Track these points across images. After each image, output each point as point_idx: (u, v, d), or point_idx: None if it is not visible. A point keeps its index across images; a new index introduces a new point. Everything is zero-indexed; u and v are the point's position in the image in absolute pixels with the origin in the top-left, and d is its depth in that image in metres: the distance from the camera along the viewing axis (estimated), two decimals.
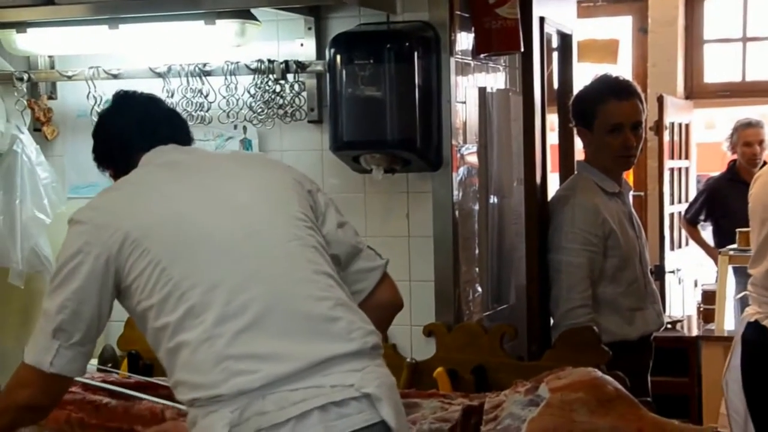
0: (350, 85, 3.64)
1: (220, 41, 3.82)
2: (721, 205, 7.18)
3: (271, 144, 3.98)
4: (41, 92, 4.21)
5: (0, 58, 4.13)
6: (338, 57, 3.67)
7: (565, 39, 4.99)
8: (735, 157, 7.41)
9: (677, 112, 7.51)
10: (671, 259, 7.26)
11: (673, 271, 7.21)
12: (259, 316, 2.45)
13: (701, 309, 6.57)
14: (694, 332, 6.41)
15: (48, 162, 4.16)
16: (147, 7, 3.68)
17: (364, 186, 3.87)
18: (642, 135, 4.20)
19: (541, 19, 4.37)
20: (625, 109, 4.11)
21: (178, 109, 3.62)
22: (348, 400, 2.43)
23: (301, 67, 3.84)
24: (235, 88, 3.88)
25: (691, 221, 7.45)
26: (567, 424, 2.93)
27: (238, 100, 3.89)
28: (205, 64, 3.90)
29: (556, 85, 5.02)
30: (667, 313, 6.36)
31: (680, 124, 7.59)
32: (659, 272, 6.85)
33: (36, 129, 4.21)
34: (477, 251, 3.97)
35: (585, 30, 7.07)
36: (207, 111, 3.90)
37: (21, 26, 3.89)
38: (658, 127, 7.17)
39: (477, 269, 3.97)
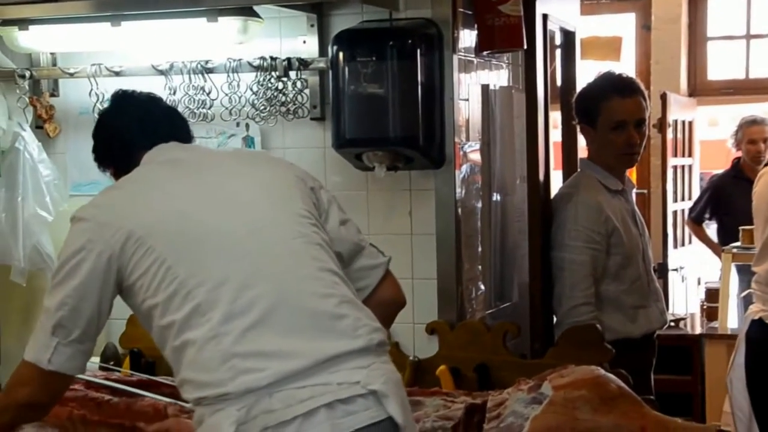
0: (353, 83, 3.64)
1: (222, 38, 3.82)
2: (725, 203, 7.18)
3: (274, 141, 3.98)
4: (43, 89, 4.21)
5: (2, 55, 4.12)
6: (341, 54, 3.67)
7: (568, 36, 4.98)
8: (739, 154, 7.40)
9: (680, 109, 7.49)
10: (674, 257, 7.25)
11: (676, 269, 7.21)
12: (265, 314, 2.45)
13: (704, 307, 6.56)
14: (698, 330, 6.41)
15: (50, 159, 4.16)
16: (149, 4, 3.68)
17: (367, 183, 3.86)
18: (645, 132, 4.20)
19: (544, 16, 4.36)
20: (628, 106, 4.10)
21: (180, 107, 3.64)
22: (354, 398, 2.43)
23: (304, 64, 3.83)
24: (238, 85, 3.87)
25: (696, 220, 7.44)
26: (570, 422, 2.93)
27: (240, 98, 3.88)
28: (207, 62, 3.89)
29: (559, 83, 5.01)
30: (670, 311, 6.35)
31: (683, 122, 7.58)
32: (662, 270, 6.84)
33: (38, 126, 4.21)
34: (480, 249, 3.97)
35: (588, 27, 7.06)
36: (209, 108, 3.90)
37: (23, 23, 3.89)
38: (662, 125, 7.15)
39: (480, 267, 3.96)
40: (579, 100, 4.28)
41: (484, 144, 4.01)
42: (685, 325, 6.54)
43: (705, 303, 6.57)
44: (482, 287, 3.98)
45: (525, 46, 3.99)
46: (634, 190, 4.50)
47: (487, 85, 4.04)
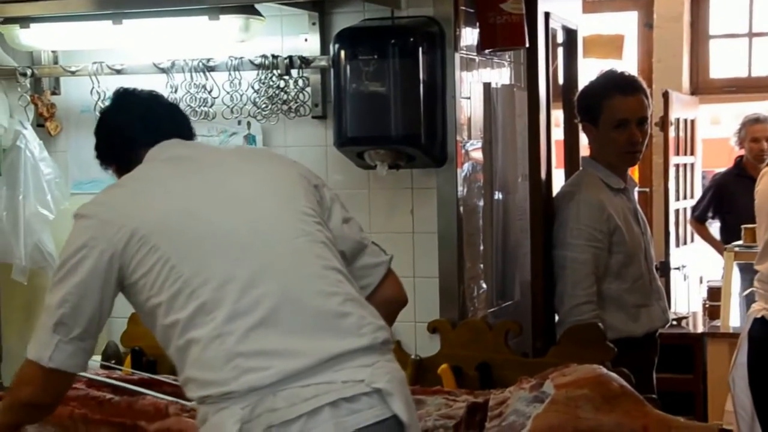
0: (354, 81, 3.64)
1: (223, 37, 3.81)
2: (728, 201, 7.17)
3: (275, 140, 3.97)
4: (44, 87, 4.20)
5: (3, 53, 4.12)
6: (342, 52, 3.66)
7: (571, 34, 4.98)
8: (742, 152, 7.40)
9: (683, 107, 7.49)
10: (676, 256, 7.24)
11: (678, 268, 7.20)
12: (269, 313, 2.44)
13: (707, 305, 6.56)
14: (700, 329, 6.39)
15: (51, 158, 4.16)
16: (151, 2, 3.68)
17: (369, 182, 3.86)
18: (647, 131, 4.19)
19: (546, 15, 4.35)
20: (630, 104, 4.09)
21: (182, 105, 3.63)
22: (359, 396, 2.43)
23: (305, 62, 3.83)
24: (239, 83, 3.87)
25: (699, 219, 7.43)
26: (572, 420, 2.93)
27: (242, 96, 3.88)
28: (208, 60, 3.89)
29: (561, 81, 5.01)
30: (672, 309, 6.35)
31: (686, 120, 7.58)
32: (664, 269, 6.83)
33: (39, 124, 4.20)
34: (482, 247, 3.97)
35: (590, 25, 7.05)
36: (211, 107, 3.90)
37: (24, 21, 3.89)
38: (664, 123, 7.14)
39: (482, 265, 3.96)
40: (581, 99, 4.28)
41: (486, 142, 4.00)
42: (687, 324, 6.53)
43: (707, 301, 6.57)
44: (484, 286, 3.97)
45: (527, 45, 3.99)
46: (636, 189, 4.50)
47: (489, 84, 4.03)
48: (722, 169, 7.80)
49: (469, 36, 3.90)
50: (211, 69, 3.89)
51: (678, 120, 7.36)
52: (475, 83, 3.94)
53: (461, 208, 3.79)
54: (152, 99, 2.88)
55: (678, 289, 7.19)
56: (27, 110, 4.12)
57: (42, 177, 4.09)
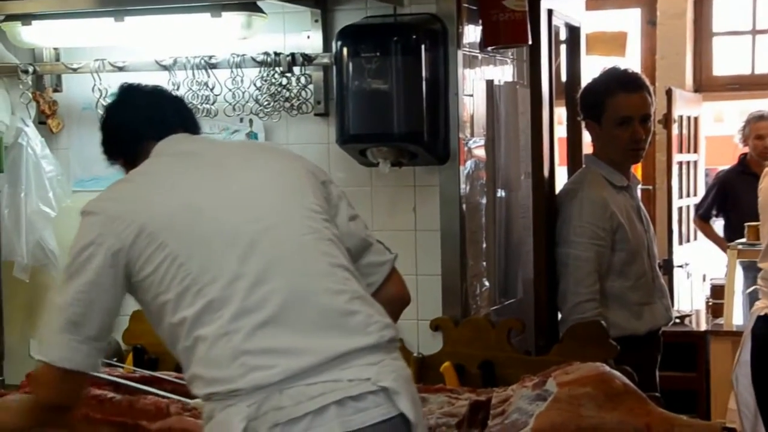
0: (357, 78, 3.63)
1: (226, 34, 3.81)
2: (732, 199, 7.16)
3: (278, 137, 3.96)
4: (46, 85, 4.19)
5: (5, 50, 4.11)
6: (345, 50, 3.66)
7: (574, 31, 4.97)
8: (746, 150, 7.39)
9: (686, 105, 7.48)
10: (680, 254, 7.23)
11: (681, 266, 7.19)
12: (276, 311, 2.44)
13: (710, 303, 6.55)
14: (703, 327, 6.38)
15: (53, 155, 4.15)
16: None
17: (371, 179, 3.85)
18: (651, 128, 4.19)
19: (549, 12, 4.35)
20: (633, 101, 4.09)
21: None
22: (365, 394, 2.42)
23: (308, 59, 3.82)
24: (241, 80, 3.87)
25: (703, 217, 7.42)
26: (575, 418, 2.92)
27: (244, 93, 3.87)
28: (210, 57, 3.88)
29: (564, 78, 5.00)
30: (675, 307, 6.33)
31: (689, 118, 7.57)
32: (667, 266, 6.83)
33: (41, 122, 4.20)
34: (484, 245, 3.96)
35: (593, 22, 7.03)
36: (213, 104, 3.89)
37: (26, 18, 3.88)
38: (667, 121, 7.14)
39: (484, 263, 3.95)
40: (584, 96, 4.27)
41: (488, 140, 4.00)
42: (691, 322, 6.52)
43: (710, 299, 6.56)
44: (487, 283, 3.97)
45: (530, 42, 3.98)
46: (639, 186, 4.49)
47: (492, 81, 4.03)
48: (726, 167, 7.78)
49: (472, 33, 3.89)
50: (213, 66, 3.88)
51: (681, 117, 7.35)
52: (478, 80, 3.94)
53: (464, 206, 3.78)
54: (157, 92, 2.87)
55: (681, 287, 7.18)
56: (29, 107, 4.11)
57: (44, 174, 4.09)
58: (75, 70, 4.06)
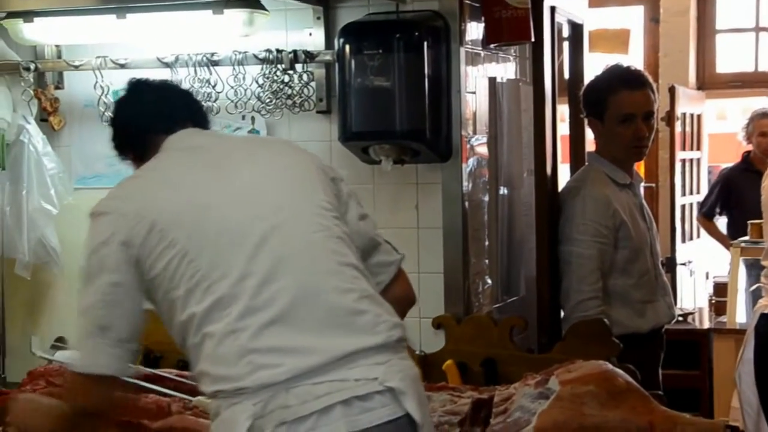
0: (359, 75, 3.63)
1: (227, 31, 3.80)
2: (735, 196, 7.16)
3: (280, 135, 3.96)
4: (48, 82, 4.19)
5: (7, 47, 4.11)
6: (347, 47, 3.65)
7: (576, 29, 4.97)
8: (750, 147, 7.38)
9: (689, 102, 7.47)
10: (682, 251, 7.22)
11: (684, 263, 7.18)
12: (284, 309, 2.43)
13: (713, 301, 6.54)
14: (706, 325, 6.38)
15: (55, 152, 4.15)
16: None
17: (373, 177, 3.85)
18: (654, 125, 4.18)
19: (552, 9, 4.34)
20: (636, 99, 4.08)
21: None
22: (372, 394, 2.42)
23: (310, 56, 3.82)
24: (243, 78, 3.86)
25: (707, 215, 7.42)
26: (577, 416, 2.92)
27: (246, 90, 3.87)
28: (212, 54, 3.88)
29: (566, 76, 5.00)
30: (678, 305, 6.33)
31: (692, 115, 7.56)
32: (670, 264, 6.82)
33: (43, 119, 4.19)
34: (487, 243, 3.95)
35: (596, 19, 7.03)
36: (215, 101, 3.88)
37: (28, 15, 3.88)
38: (670, 118, 7.13)
39: (487, 261, 3.95)
40: (587, 93, 4.26)
41: (491, 137, 3.99)
42: (693, 320, 6.52)
43: (713, 297, 6.56)
44: (489, 281, 3.96)
45: (532, 39, 3.97)
46: (642, 184, 4.48)
47: (495, 78, 4.02)
48: (729, 164, 7.78)
49: (475, 30, 3.89)
50: (215, 63, 3.88)
51: (684, 115, 7.34)
52: (481, 78, 3.93)
53: (466, 204, 3.77)
54: (165, 87, 2.88)
55: (684, 285, 7.18)
56: (30, 105, 4.11)
57: (45, 172, 4.08)
58: (77, 68, 4.06)
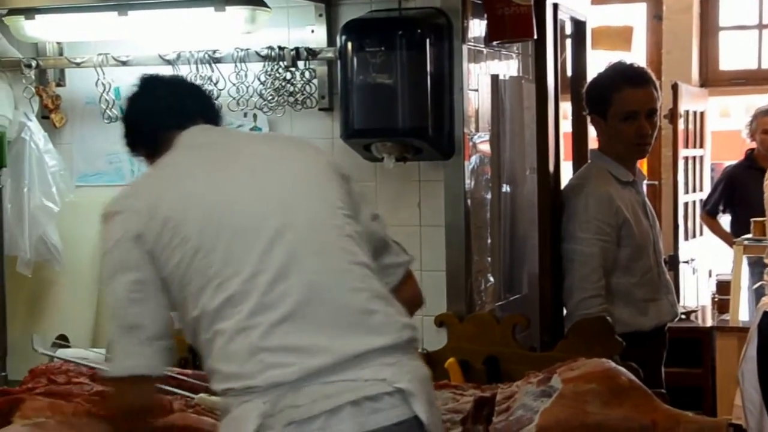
0: (361, 73, 3.62)
1: (229, 28, 3.80)
2: (739, 194, 7.14)
3: (281, 132, 3.95)
4: (49, 79, 4.19)
5: (8, 44, 4.11)
6: (349, 44, 3.65)
7: (579, 26, 4.96)
8: (753, 144, 7.37)
9: (692, 100, 7.46)
10: (685, 249, 7.21)
11: (687, 261, 7.17)
12: (295, 308, 2.43)
13: (716, 299, 6.53)
14: (709, 323, 6.37)
15: (56, 150, 4.15)
16: None
17: (375, 174, 3.84)
18: (657, 123, 4.17)
19: (555, 6, 4.33)
20: (639, 96, 4.07)
21: None
22: (381, 395, 2.42)
23: (312, 54, 3.81)
24: (245, 75, 3.86)
25: (710, 213, 7.40)
26: (580, 415, 2.91)
27: (248, 88, 3.87)
28: (214, 51, 3.88)
29: (569, 73, 4.99)
30: (681, 303, 6.32)
31: (695, 112, 7.55)
32: (673, 262, 6.81)
33: (44, 116, 4.19)
34: (489, 240, 3.95)
35: (599, 17, 7.02)
36: (217, 98, 3.82)
37: (30, 12, 3.88)
38: (673, 116, 7.11)
39: (489, 259, 3.94)
40: (589, 91, 4.25)
41: (493, 135, 3.98)
42: (696, 318, 6.51)
43: (716, 295, 6.54)
44: (491, 279, 3.96)
45: (535, 36, 3.97)
46: (645, 182, 4.47)
47: (497, 76, 4.01)
48: (732, 162, 7.77)
49: (477, 27, 3.88)
50: (217, 61, 3.88)
51: (687, 112, 7.33)
52: (483, 75, 3.92)
53: (468, 201, 3.77)
54: (176, 82, 2.90)
55: (687, 283, 7.16)
56: (32, 102, 4.11)
57: (47, 169, 4.08)
58: (78, 65, 4.06)
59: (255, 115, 3.94)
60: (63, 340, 3.87)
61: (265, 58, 3.83)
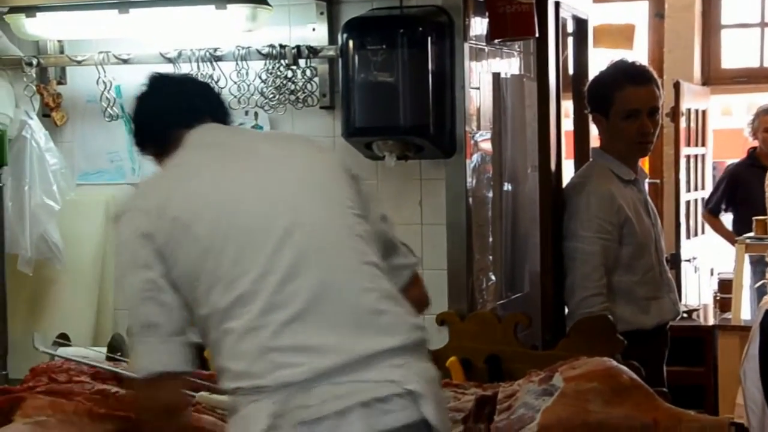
0: (363, 71, 3.62)
1: (231, 26, 3.80)
2: (741, 192, 7.14)
3: (283, 130, 3.94)
4: (50, 77, 4.19)
5: (9, 42, 4.10)
6: (351, 42, 3.65)
7: (581, 24, 4.96)
8: (756, 143, 7.37)
9: (694, 98, 7.45)
10: (687, 248, 7.20)
11: (689, 260, 7.16)
12: (305, 307, 2.43)
13: (717, 298, 6.52)
14: (710, 321, 6.36)
15: (57, 148, 4.15)
16: None
17: (377, 173, 3.84)
18: (659, 121, 4.17)
19: (557, 4, 4.33)
20: (641, 94, 4.07)
21: None
22: (391, 396, 2.42)
23: (313, 52, 3.81)
24: (246, 73, 3.86)
25: (713, 211, 7.40)
26: (581, 413, 2.91)
27: (249, 86, 3.86)
28: (215, 50, 3.87)
29: (571, 71, 4.98)
30: (682, 302, 6.31)
31: (697, 111, 7.54)
32: (675, 261, 6.80)
33: (45, 115, 4.19)
34: (491, 239, 3.95)
35: (601, 15, 7.02)
36: None
37: (30, 10, 3.87)
38: (675, 114, 7.10)
39: (491, 257, 3.94)
40: (591, 89, 4.25)
41: (495, 133, 3.98)
42: (698, 317, 6.50)
43: (718, 294, 6.53)
44: (493, 277, 3.95)
45: (537, 34, 3.96)
46: (647, 180, 4.47)
47: (499, 74, 4.01)
48: (734, 160, 7.76)
49: (479, 26, 3.88)
50: (218, 59, 3.87)
51: (689, 110, 7.32)
52: (485, 73, 3.92)
53: (470, 200, 3.77)
54: (185, 80, 2.92)
55: (689, 281, 7.16)
56: (33, 100, 4.10)
57: (48, 167, 4.08)
58: (79, 63, 4.05)
59: (256, 114, 3.93)
60: (64, 339, 3.86)
61: (266, 56, 3.82)
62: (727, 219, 7.51)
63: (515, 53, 4.24)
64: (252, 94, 3.86)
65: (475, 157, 3.83)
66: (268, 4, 3.73)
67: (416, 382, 2.44)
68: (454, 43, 3.70)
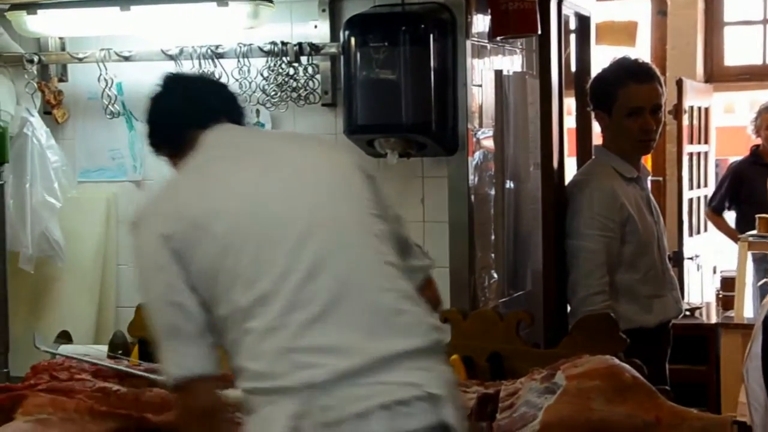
0: (365, 68, 3.62)
1: (232, 23, 3.80)
2: (744, 190, 7.13)
3: (285, 127, 3.95)
4: (52, 74, 4.19)
5: (10, 39, 4.10)
6: (352, 39, 3.64)
7: (583, 21, 4.95)
8: (759, 140, 7.36)
9: (696, 95, 7.44)
10: (690, 246, 7.19)
11: (691, 258, 7.15)
12: (325, 307, 2.42)
13: (720, 296, 6.51)
14: (713, 319, 6.34)
15: (58, 145, 4.15)
16: None
17: (379, 170, 3.81)
18: (661, 119, 4.16)
19: (559, 1, 4.32)
20: (644, 92, 4.05)
21: None
22: (413, 399, 2.41)
23: (315, 49, 3.81)
24: (248, 70, 3.86)
25: (716, 209, 7.39)
26: (584, 412, 2.91)
27: (250, 83, 3.86)
28: (217, 47, 3.87)
29: (573, 68, 4.98)
30: (685, 300, 6.29)
31: (699, 108, 7.53)
32: (678, 258, 6.79)
33: (46, 112, 4.19)
34: (493, 237, 3.94)
35: (603, 12, 7.00)
36: None
37: (32, 7, 3.88)
38: (677, 111, 7.10)
39: (493, 255, 3.93)
40: (594, 86, 4.24)
41: (497, 130, 3.98)
42: (701, 315, 6.48)
43: (720, 292, 6.52)
44: (495, 275, 3.95)
45: (539, 32, 3.96)
46: (649, 178, 4.46)
47: (501, 71, 4.01)
48: (737, 158, 7.75)
49: (481, 23, 3.87)
50: (220, 56, 3.87)
51: (692, 108, 7.31)
52: (487, 71, 3.91)
53: (472, 197, 3.76)
54: (200, 80, 2.91)
55: (691, 280, 7.15)
56: (34, 97, 4.11)
57: (49, 165, 4.08)
58: (81, 60, 4.05)
59: (258, 111, 3.93)
60: (65, 337, 3.86)
61: (268, 53, 3.82)
62: (730, 217, 7.50)
63: (517, 50, 4.23)
64: (254, 92, 3.86)
65: (478, 155, 3.82)
66: (270, 1, 3.73)
67: (437, 386, 2.44)
68: (456, 40, 3.69)
